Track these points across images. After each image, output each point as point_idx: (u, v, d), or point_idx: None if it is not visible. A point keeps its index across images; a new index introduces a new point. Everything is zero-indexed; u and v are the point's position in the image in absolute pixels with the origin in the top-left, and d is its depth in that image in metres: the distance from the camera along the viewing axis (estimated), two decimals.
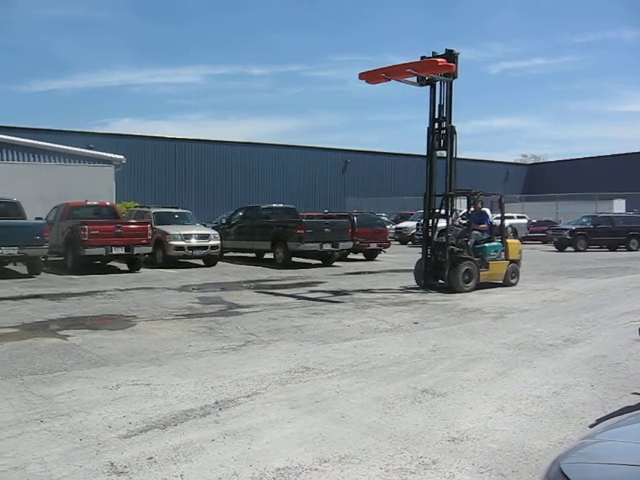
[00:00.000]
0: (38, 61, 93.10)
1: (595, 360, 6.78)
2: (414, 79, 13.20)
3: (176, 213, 20.84)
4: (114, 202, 22.73)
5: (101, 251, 16.45)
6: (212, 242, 18.76)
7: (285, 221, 20.22)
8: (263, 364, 6.52)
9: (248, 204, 25.69)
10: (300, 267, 18.57)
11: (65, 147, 26.15)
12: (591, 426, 4.51)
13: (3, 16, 78.50)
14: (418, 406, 5.13)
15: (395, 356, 6.94)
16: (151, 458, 4.00)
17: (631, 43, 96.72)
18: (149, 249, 17.34)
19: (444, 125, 13.20)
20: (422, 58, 13.03)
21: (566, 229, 29.45)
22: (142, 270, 17.21)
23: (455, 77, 13.12)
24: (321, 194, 50.57)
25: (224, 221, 22.94)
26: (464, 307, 10.70)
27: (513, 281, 13.87)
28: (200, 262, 19.18)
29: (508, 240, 14.68)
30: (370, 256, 22.31)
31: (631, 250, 28.35)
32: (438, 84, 13.24)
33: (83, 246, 16.25)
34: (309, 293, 12.67)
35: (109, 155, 26.87)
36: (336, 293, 12.61)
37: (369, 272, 17.53)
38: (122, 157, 26.92)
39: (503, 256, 13.82)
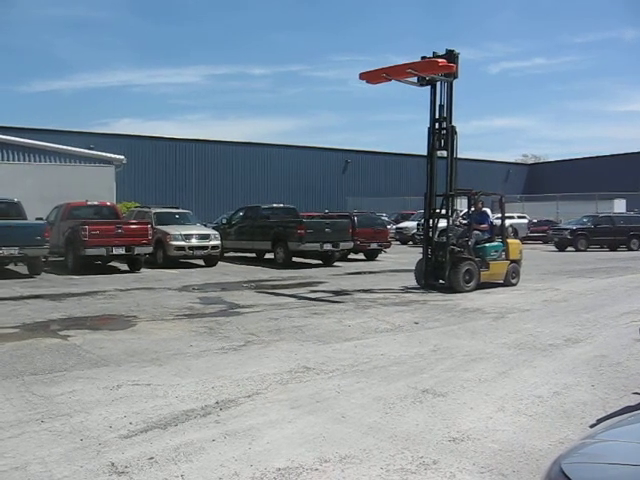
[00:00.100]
0: (38, 61, 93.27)
1: (596, 360, 6.78)
2: (414, 79, 13.21)
3: (177, 213, 20.85)
4: (114, 202, 22.73)
5: (102, 251, 16.46)
6: (213, 242, 18.77)
7: (286, 221, 20.22)
8: (264, 364, 6.52)
9: (249, 204, 25.68)
10: (301, 267, 18.57)
11: (65, 147, 26.16)
12: (592, 426, 4.51)
13: (3, 16, 78.61)
14: (419, 406, 5.13)
15: (396, 356, 6.94)
16: (152, 458, 4.00)
17: (631, 43, 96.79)
18: (150, 249, 17.34)
19: (444, 125, 13.20)
20: (422, 58, 13.04)
21: (567, 229, 29.44)
22: (143, 270, 17.22)
23: (455, 77, 13.12)
24: (322, 194, 50.54)
25: (225, 221, 22.95)
26: (465, 307, 10.70)
27: (514, 281, 13.87)
28: (201, 262, 19.18)
29: (509, 240, 14.68)
30: (371, 256, 22.31)
31: (632, 250, 28.33)
32: (438, 84, 13.24)
33: (84, 246, 16.26)
34: (310, 293, 12.67)
35: (109, 155, 26.88)
36: (337, 293, 12.61)
37: (370, 272, 17.53)
38: (122, 157, 26.94)
39: (504, 256, 13.82)
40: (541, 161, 72.80)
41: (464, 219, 14.93)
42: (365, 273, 17.31)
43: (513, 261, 13.96)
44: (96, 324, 9.10)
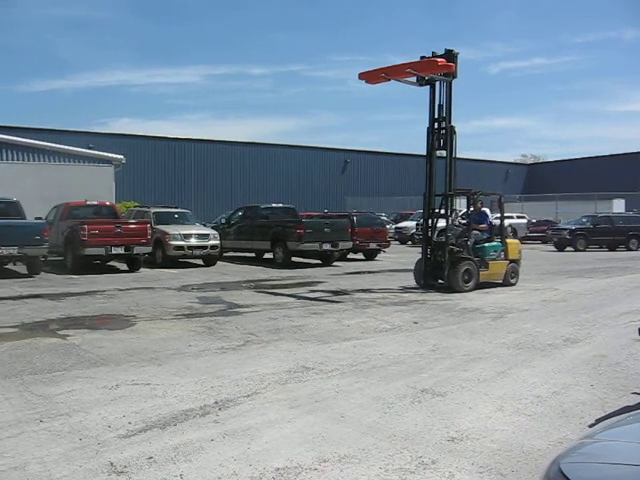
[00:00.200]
0: (38, 61, 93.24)
1: (595, 360, 6.78)
2: (414, 79, 13.21)
3: (176, 213, 20.85)
4: (114, 202, 22.73)
5: (101, 251, 16.45)
6: (212, 242, 18.77)
7: (285, 221, 20.23)
8: (263, 364, 6.52)
9: (248, 204, 25.68)
10: (300, 267, 18.57)
11: (65, 147, 26.15)
12: (591, 426, 4.51)
13: (4, 16, 78.54)
14: (418, 406, 5.13)
15: (395, 356, 6.94)
16: (151, 458, 4.00)
17: (631, 43, 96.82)
18: (149, 249, 17.34)
19: (444, 125, 13.20)
20: (422, 58, 13.04)
21: (566, 229, 29.46)
22: (142, 270, 17.22)
23: (455, 77, 13.12)
24: (321, 194, 50.51)
25: (224, 221, 22.96)
26: (464, 307, 10.70)
27: (513, 281, 13.87)
28: (200, 262, 19.18)
29: (508, 240, 14.68)
30: (370, 256, 22.32)
31: (631, 250, 28.34)
32: (438, 84, 13.24)
33: (83, 246, 16.25)
34: (309, 293, 12.68)
35: (109, 155, 26.86)
36: (336, 293, 12.61)
37: (369, 272, 17.54)
38: (122, 157, 26.91)
39: (503, 256, 13.82)
40: (540, 161, 72.82)
41: (463, 219, 14.94)
42: (364, 273, 17.31)
43: (512, 261, 13.97)
44: (95, 324, 9.09)
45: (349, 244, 19.97)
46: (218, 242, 19.05)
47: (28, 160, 24.85)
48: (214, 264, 19.01)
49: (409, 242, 32.13)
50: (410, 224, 33.10)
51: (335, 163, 53.10)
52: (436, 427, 4.61)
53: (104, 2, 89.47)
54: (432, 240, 13.41)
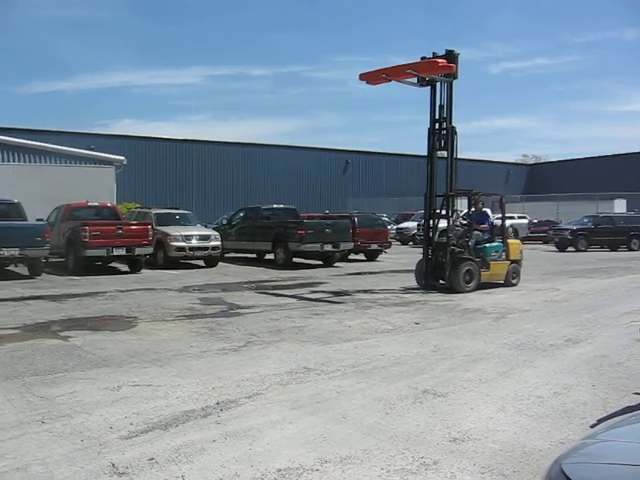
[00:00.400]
0: (39, 62, 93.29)
1: (596, 360, 6.78)
2: (414, 80, 13.22)
3: (177, 214, 20.85)
4: (115, 203, 22.75)
5: (102, 252, 16.46)
6: (213, 243, 18.77)
7: (286, 222, 20.22)
8: (264, 365, 6.52)
9: (249, 205, 25.69)
10: (301, 268, 18.57)
11: (66, 148, 26.16)
12: (592, 426, 4.51)
13: (4, 17, 78.60)
14: (419, 406, 5.13)
15: (396, 356, 6.94)
16: (152, 459, 4.00)
17: (632, 43, 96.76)
18: (150, 250, 17.35)
19: (445, 125, 13.21)
20: (422, 59, 13.04)
21: (567, 229, 29.43)
22: (143, 271, 17.23)
23: (455, 77, 13.13)
24: (322, 195, 50.55)
25: (225, 222, 22.96)
26: (465, 307, 10.70)
27: (514, 281, 13.87)
28: (201, 263, 19.19)
29: (509, 240, 14.67)
30: (371, 257, 22.31)
31: (632, 250, 28.32)
32: (438, 85, 13.24)
33: (84, 247, 16.26)
34: (310, 294, 12.67)
35: (110, 156, 26.87)
36: (337, 294, 12.61)
37: (370, 273, 17.54)
38: (123, 158, 26.92)
39: (504, 256, 13.82)
40: (541, 161, 72.78)
41: (464, 219, 14.93)
42: (365, 274, 17.31)
43: (513, 261, 13.96)
44: (97, 325, 9.10)
45: (350, 245, 19.97)
46: (219, 243, 19.04)
47: (29, 161, 24.86)
48: (215, 265, 19.01)
49: (410, 243, 32.12)
50: (411, 225, 33.09)
51: (336, 164, 53.11)
52: (438, 428, 4.61)
53: (105, 3, 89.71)
54: (433, 241, 13.41)
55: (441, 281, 13.00)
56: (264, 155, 49.40)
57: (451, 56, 12.98)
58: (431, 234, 13.42)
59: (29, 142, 25.57)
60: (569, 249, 28.31)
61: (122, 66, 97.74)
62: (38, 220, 16.43)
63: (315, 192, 50.39)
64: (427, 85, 13.31)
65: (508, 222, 21.71)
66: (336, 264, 19.86)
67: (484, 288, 13.04)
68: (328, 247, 18.91)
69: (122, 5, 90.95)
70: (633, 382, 5.87)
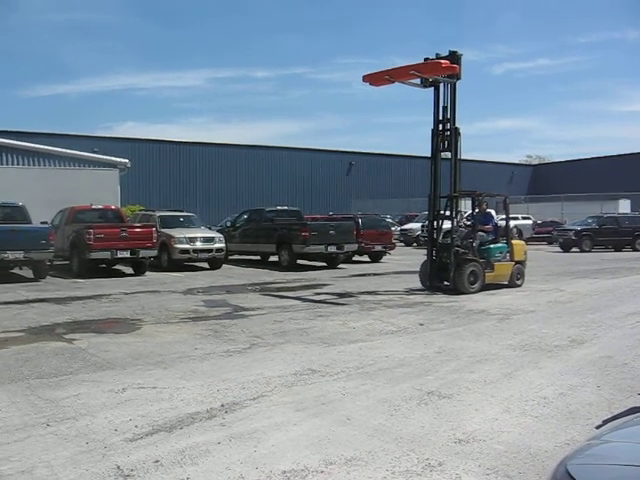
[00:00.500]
0: (43, 66, 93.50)
1: (601, 361, 6.76)
2: (418, 81, 13.21)
3: (181, 216, 20.87)
4: (119, 206, 22.79)
5: (106, 255, 16.48)
6: (217, 245, 18.79)
7: (290, 223, 20.24)
8: (269, 367, 6.52)
9: (253, 207, 25.70)
10: (305, 269, 18.57)
11: (70, 151, 26.22)
12: (597, 427, 4.47)
13: (7, 22, 78.86)
14: (424, 408, 5.13)
15: (401, 358, 6.93)
16: (157, 461, 4.00)
17: (635, 43, 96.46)
18: (154, 252, 17.38)
19: (448, 126, 13.20)
20: (426, 60, 13.04)
21: (571, 230, 29.37)
22: (147, 273, 17.25)
23: (459, 78, 13.11)
24: (326, 196, 50.56)
25: (229, 224, 22.98)
26: (469, 309, 10.68)
27: (518, 282, 13.84)
28: (205, 265, 19.21)
29: (513, 241, 14.64)
30: (375, 258, 22.29)
31: (637, 250, 28.24)
32: (442, 86, 13.24)
33: (88, 250, 16.29)
34: (314, 295, 12.67)
35: (114, 159, 26.93)
36: (341, 295, 12.61)
37: (374, 274, 17.53)
38: (127, 161, 26.98)
39: (508, 257, 13.79)
40: (545, 162, 72.66)
41: (468, 220, 14.91)
42: (369, 275, 17.30)
43: (518, 262, 13.93)
44: (101, 327, 9.11)
45: (354, 246, 19.97)
46: (223, 245, 19.05)
47: (33, 165, 24.94)
48: (219, 267, 19.02)
49: (414, 244, 32.05)
50: (415, 226, 33.03)
51: (340, 165, 53.11)
52: (442, 429, 4.60)
53: (107, 6, 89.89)
54: (437, 242, 13.40)
55: (445, 282, 12.98)
56: (268, 157, 49.45)
57: (454, 57, 12.98)
58: (435, 235, 13.41)
59: (33, 145, 25.65)
60: (573, 250, 28.23)
61: (125, 69, 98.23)
62: (42, 223, 16.45)
63: (319, 194, 50.41)
64: (430, 86, 13.31)
65: (512, 223, 21.73)
66: (340, 266, 19.85)
67: (488, 289, 13.02)
68: (332, 249, 18.91)
69: (125, 8, 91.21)
70: (638, 383, 5.85)
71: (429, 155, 13.54)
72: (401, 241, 32.07)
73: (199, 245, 18.44)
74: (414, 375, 6.19)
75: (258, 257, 21.62)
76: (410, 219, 36.90)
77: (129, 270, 17.70)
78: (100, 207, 19.06)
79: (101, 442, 4.35)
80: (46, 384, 5.87)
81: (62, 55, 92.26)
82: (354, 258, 21.90)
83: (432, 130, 13.41)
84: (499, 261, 13.57)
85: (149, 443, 4.32)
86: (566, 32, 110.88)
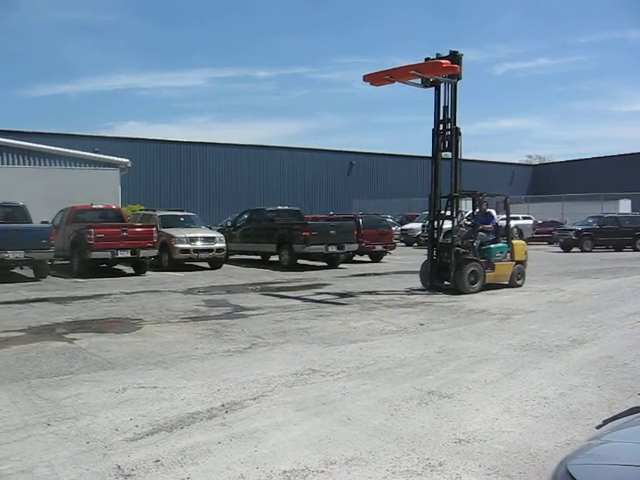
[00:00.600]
0: (44, 65, 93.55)
1: (602, 361, 6.76)
2: (418, 81, 13.20)
3: (182, 216, 20.88)
4: (120, 205, 22.80)
5: (107, 254, 16.49)
6: (217, 245, 18.79)
7: (290, 223, 20.25)
8: (269, 366, 6.52)
9: (253, 207, 25.70)
10: (305, 269, 18.58)
11: (71, 151, 26.23)
12: (598, 427, 4.47)
13: (8, 21, 78.88)
14: (424, 408, 5.13)
15: (401, 358, 6.93)
16: (158, 461, 4.01)
17: (635, 43, 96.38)
18: (155, 252, 17.39)
19: (449, 126, 13.20)
20: (426, 60, 13.03)
21: (572, 230, 29.37)
22: (148, 273, 17.25)
23: (459, 78, 13.11)
24: (326, 196, 50.57)
25: (229, 224, 22.99)
26: (470, 308, 10.68)
27: (519, 282, 13.83)
28: (206, 265, 19.21)
29: (514, 241, 14.64)
30: (375, 258, 22.29)
31: (637, 250, 28.24)
32: (442, 86, 13.23)
33: (89, 249, 16.30)
34: (315, 295, 12.67)
35: (114, 158, 26.94)
36: (342, 295, 12.61)
37: (375, 274, 17.53)
38: (127, 160, 26.98)
39: (509, 257, 13.79)
40: (546, 162, 72.64)
41: (469, 220, 14.91)
42: (370, 275, 17.30)
43: (518, 262, 13.93)
44: (102, 327, 9.11)
45: (355, 246, 19.97)
46: (224, 245, 19.06)
47: (34, 164, 24.95)
48: (220, 267, 19.02)
49: (415, 244, 32.06)
50: (416, 226, 33.03)
51: (340, 165, 53.10)
52: (443, 429, 4.60)
53: (109, 6, 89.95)
54: (438, 242, 13.40)
55: (446, 282, 12.98)
56: (268, 157, 49.44)
57: (455, 57, 12.97)
58: (436, 235, 13.41)
59: (33, 145, 25.65)
60: (574, 250, 28.23)
61: (126, 69, 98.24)
62: (43, 223, 16.47)
63: (319, 193, 50.42)
64: (431, 86, 13.30)
65: (513, 223, 21.74)
66: (340, 265, 19.85)
67: (489, 289, 13.02)
68: (333, 248, 18.91)
69: (126, 8, 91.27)
70: (639, 383, 5.85)
71: (430, 155, 13.53)
72: (402, 241, 32.07)
73: (200, 245, 18.45)
74: (414, 375, 6.19)
75: (259, 257, 21.63)
76: (411, 219, 36.90)
77: (130, 270, 17.70)
78: (101, 207, 19.07)
79: (102, 442, 4.35)
80: (47, 384, 5.87)
81: (63, 55, 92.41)
82: (355, 258, 21.90)
83: (433, 130, 13.41)
84: (500, 261, 13.57)
85: (150, 443, 4.32)
86: (566, 32, 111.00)
